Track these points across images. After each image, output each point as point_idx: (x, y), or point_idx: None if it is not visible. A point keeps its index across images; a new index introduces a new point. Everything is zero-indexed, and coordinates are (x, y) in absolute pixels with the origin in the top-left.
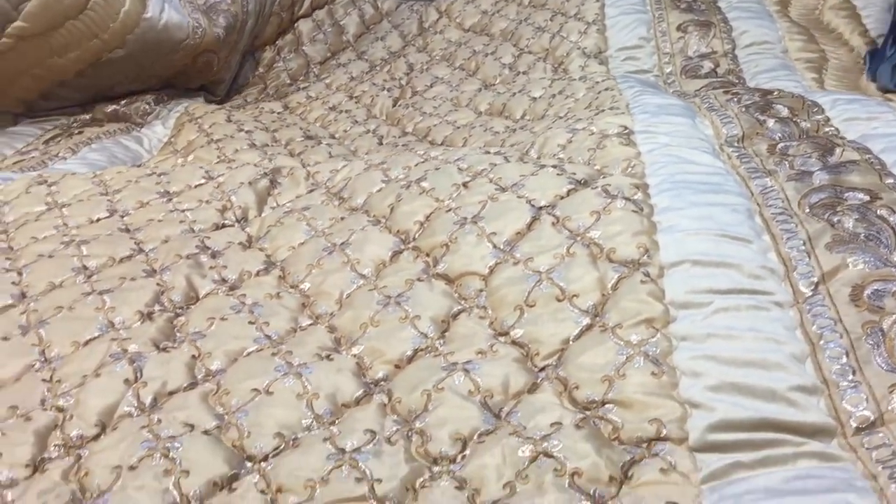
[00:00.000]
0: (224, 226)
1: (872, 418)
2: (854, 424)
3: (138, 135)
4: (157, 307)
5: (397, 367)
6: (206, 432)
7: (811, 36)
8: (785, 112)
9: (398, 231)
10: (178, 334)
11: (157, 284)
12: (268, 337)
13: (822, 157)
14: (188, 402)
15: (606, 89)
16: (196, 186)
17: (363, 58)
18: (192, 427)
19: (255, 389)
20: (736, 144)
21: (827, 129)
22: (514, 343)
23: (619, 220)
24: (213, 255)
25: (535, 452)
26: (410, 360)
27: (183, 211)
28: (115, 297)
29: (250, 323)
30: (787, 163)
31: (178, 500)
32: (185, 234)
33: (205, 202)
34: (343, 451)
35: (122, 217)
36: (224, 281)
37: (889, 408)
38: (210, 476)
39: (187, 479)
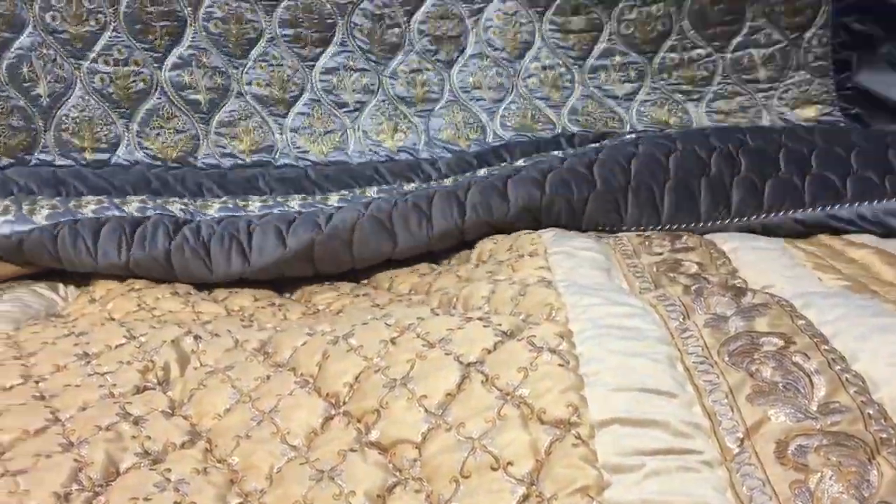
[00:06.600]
0: (146, 388)
1: None
2: None
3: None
4: (74, 487)
5: None
6: None
7: None
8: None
9: (328, 394)
10: None
11: (75, 460)
12: None
13: (736, 297)
14: None
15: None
16: (117, 347)
17: None
18: None
19: None
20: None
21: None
22: None
23: (547, 375)
24: (136, 422)
25: None
26: None
27: (103, 374)
28: (28, 478)
29: (176, 503)
30: (702, 300)
31: None
32: (104, 399)
33: (125, 363)
34: None
35: (38, 383)
36: (147, 453)
37: None
38: None
39: None
